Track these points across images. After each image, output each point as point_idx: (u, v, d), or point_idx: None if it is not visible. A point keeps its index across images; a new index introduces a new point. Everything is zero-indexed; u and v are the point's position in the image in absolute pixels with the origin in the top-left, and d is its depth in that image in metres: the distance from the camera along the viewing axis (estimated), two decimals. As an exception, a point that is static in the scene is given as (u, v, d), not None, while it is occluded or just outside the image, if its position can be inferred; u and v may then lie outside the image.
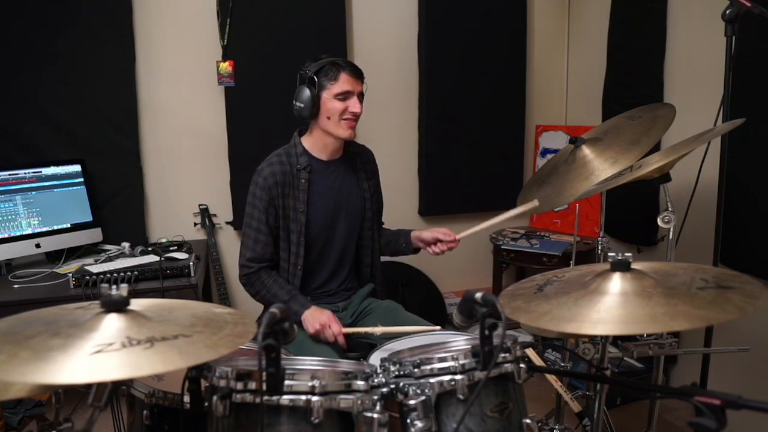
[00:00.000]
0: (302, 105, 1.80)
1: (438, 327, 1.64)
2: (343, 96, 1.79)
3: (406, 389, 1.05)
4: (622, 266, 1.06)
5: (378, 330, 1.69)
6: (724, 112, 1.83)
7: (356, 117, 1.83)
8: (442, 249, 1.91)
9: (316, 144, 1.90)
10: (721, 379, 2.22)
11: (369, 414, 1.00)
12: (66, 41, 2.73)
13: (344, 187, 1.94)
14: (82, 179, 2.74)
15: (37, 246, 2.58)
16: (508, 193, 2.82)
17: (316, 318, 1.75)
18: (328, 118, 1.81)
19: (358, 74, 1.82)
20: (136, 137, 2.90)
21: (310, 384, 0.98)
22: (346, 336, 1.78)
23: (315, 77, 1.79)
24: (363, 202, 1.98)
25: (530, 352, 1.56)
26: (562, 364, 2.06)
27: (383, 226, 2.18)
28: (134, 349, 0.84)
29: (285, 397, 0.97)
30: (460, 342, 1.19)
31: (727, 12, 1.73)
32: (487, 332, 1.03)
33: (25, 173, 2.58)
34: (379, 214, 2.12)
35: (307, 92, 1.79)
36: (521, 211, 1.79)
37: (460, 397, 1.05)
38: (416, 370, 1.07)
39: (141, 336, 0.87)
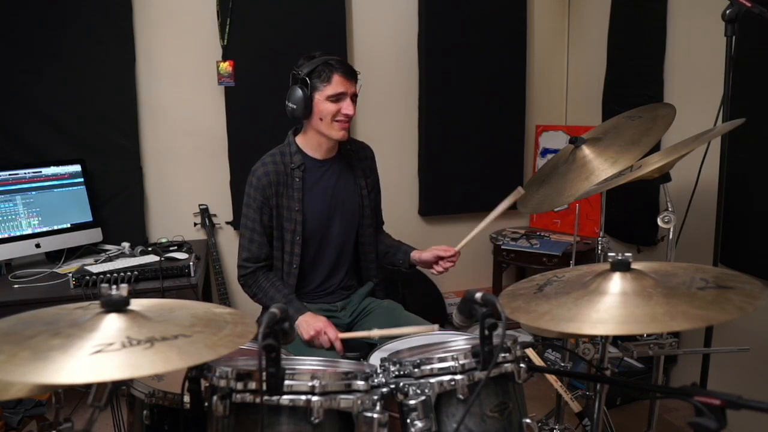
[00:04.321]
0: (295, 106, 1.80)
1: (435, 326, 1.62)
2: (336, 98, 1.78)
3: (406, 389, 1.05)
4: (622, 266, 1.06)
5: (375, 334, 1.64)
6: (724, 112, 1.83)
7: (349, 119, 1.82)
8: (445, 267, 1.87)
9: (309, 143, 1.89)
10: (721, 379, 2.22)
11: (369, 414, 1.00)
12: (66, 41, 2.73)
13: (340, 186, 1.94)
14: (82, 179, 2.74)
15: (37, 246, 2.58)
16: (508, 193, 2.82)
17: (310, 324, 1.73)
18: (321, 119, 1.80)
19: (351, 75, 1.80)
20: (136, 137, 2.90)
21: (310, 384, 0.99)
22: (344, 341, 1.76)
23: (307, 78, 1.77)
24: (360, 199, 1.98)
25: (530, 352, 1.56)
26: (562, 364, 2.06)
27: (383, 226, 2.17)
28: (134, 349, 0.84)
29: (285, 397, 0.97)
30: (460, 342, 1.19)
31: (727, 12, 1.73)
32: (487, 332, 1.03)
33: (25, 173, 2.58)
34: (376, 213, 2.11)
35: (299, 93, 1.78)
36: (508, 203, 1.74)
37: (460, 397, 1.05)
38: (416, 370, 1.07)
39: (141, 336, 0.87)
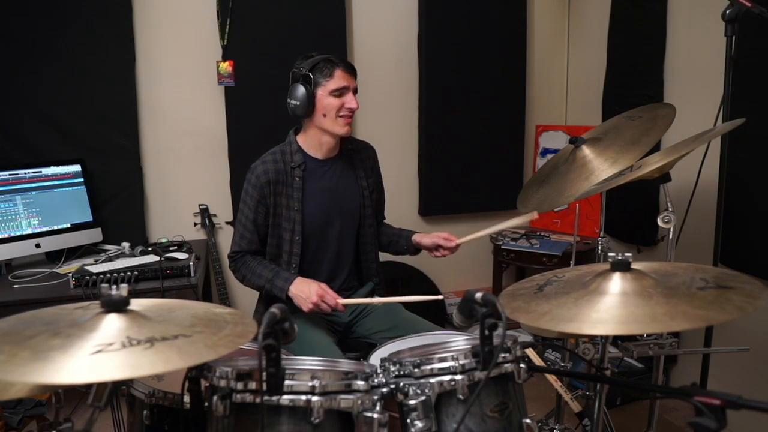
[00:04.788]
0: (297, 103, 1.79)
1: (440, 297, 1.63)
2: (339, 92, 1.78)
3: (406, 389, 1.05)
4: (622, 266, 1.06)
5: (377, 301, 1.67)
6: (724, 112, 1.83)
7: (352, 113, 1.83)
8: (443, 254, 1.92)
9: (311, 142, 1.89)
10: (721, 379, 2.22)
11: (369, 414, 1.00)
12: (66, 41, 2.73)
13: (341, 186, 1.94)
14: (82, 179, 2.74)
15: (37, 246, 2.58)
16: (508, 193, 2.82)
17: (306, 294, 1.71)
18: (324, 115, 1.80)
19: (352, 70, 1.82)
20: (136, 137, 2.90)
21: (310, 384, 0.99)
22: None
23: (310, 74, 1.78)
24: (362, 200, 1.97)
25: (530, 352, 1.56)
26: (562, 364, 2.06)
27: (385, 221, 2.18)
28: (134, 349, 0.83)
29: (285, 397, 0.97)
30: (460, 342, 1.19)
31: (727, 12, 1.73)
32: (487, 332, 1.02)
33: (25, 173, 2.58)
34: (379, 211, 2.11)
35: (302, 89, 1.78)
36: (521, 221, 1.79)
37: (460, 397, 1.05)
38: (416, 370, 1.07)
39: (141, 336, 0.87)
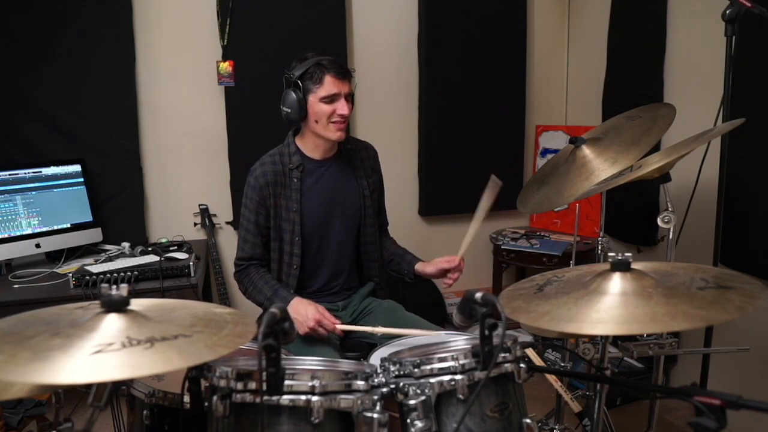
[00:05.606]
0: (289, 110, 1.79)
1: (441, 332, 1.61)
2: (330, 99, 1.76)
3: (406, 389, 1.05)
4: (622, 266, 1.06)
5: (378, 330, 1.63)
6: (724, 112, 1.83)
7: (344, 119, 1.81)
8: (454, 278, 1.82)
9: (308, 144, 1.89)
10: (721, 379, 2.22)
11: (369, 414, 1.00)
12: (66, 41, 2.73)
13: (340, 186, 1.93)
14: (82, 179, 2.74)
15: (37, 246, 2.58)
16: (508, 193, 2.81)
17: (303, 318, 1.70)
18: (316, 121, 1.80)
19: (343, 75, 1.79)
20: (136, 137, 2.90)
21: (310, 384, 0.98)
22: (344, 333, 1.76)
23: (299, 81, 1.77)
24: (362, 199, 1.97)
25: (530, 352, 1.56)
26: (562, 364, 2.06)
27: (387, 229, 2.16)
28: (134, 349, 0.83)
29: (285, 397, 0.97)
30: (460, 342, 1.19)
31: (727, 12, 1.73)
32: (487, 332, 1.02)
33: (25, 173, 2.58)
34: (380, 211, 2.11)
35: (293, 96, 1.77)
36: (490, 196, 1.77)
37: (460, 397, 1.05)
38: (416, 370, 1.07)
39: (141, 336, 0.87)
